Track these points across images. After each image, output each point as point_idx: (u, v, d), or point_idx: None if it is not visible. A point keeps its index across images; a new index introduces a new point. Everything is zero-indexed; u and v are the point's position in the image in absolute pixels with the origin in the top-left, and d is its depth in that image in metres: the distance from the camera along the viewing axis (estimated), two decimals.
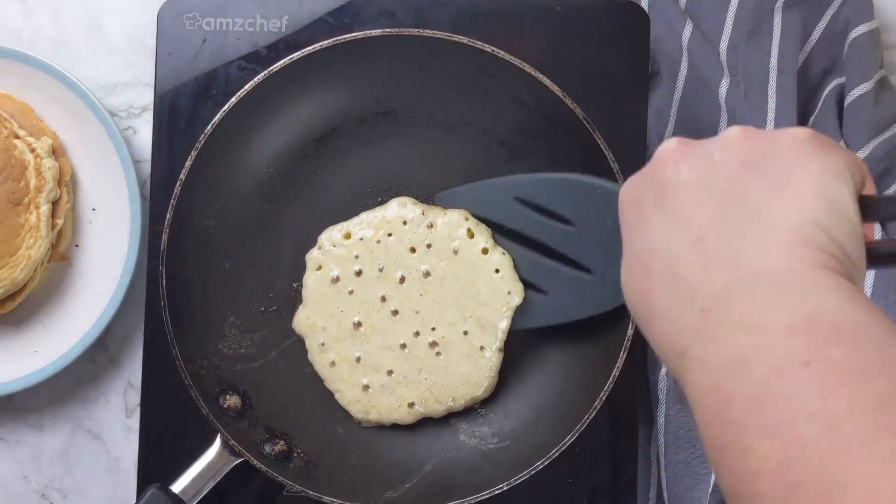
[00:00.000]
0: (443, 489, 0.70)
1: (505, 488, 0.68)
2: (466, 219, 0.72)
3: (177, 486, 0.69)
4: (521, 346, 0.73)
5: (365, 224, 0.72)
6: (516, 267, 0.71)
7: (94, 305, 0.77)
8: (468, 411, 0.74)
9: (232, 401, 0.72)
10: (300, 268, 0.74)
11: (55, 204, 0.75)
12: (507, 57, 0.70)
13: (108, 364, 0.80)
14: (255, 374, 0.74)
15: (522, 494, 0.72)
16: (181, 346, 0.71)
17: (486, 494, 0.69)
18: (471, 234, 0.72)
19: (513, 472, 0.69)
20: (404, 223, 0.72)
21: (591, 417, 0.69)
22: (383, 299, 0.72)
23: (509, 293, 0.71)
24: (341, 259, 0.72)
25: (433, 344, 0.72)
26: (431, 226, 0.72)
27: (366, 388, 0.72)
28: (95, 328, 0.76)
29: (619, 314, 0.68)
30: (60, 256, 0.76)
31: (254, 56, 0.75)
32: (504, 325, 0.71)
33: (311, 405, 0.74)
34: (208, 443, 0.71)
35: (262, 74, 0.71)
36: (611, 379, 0.69)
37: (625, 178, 0.68)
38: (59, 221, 0.75)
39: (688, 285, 0.40)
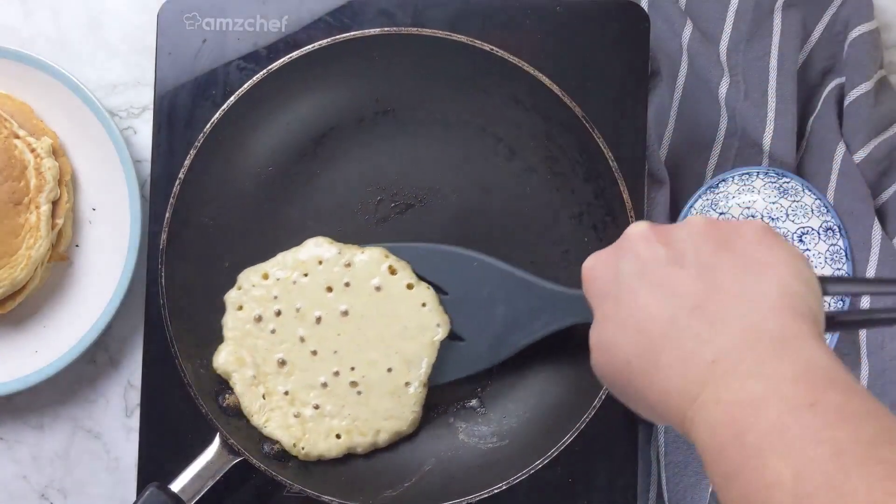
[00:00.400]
0: (442, 488, 0.70)
1: (504, 487, 0.68)
2: (387, 256, 0.72)
3: (176, 485, 0.69)
4: None
5: (281, 265, 0.72)
6: None
7: (94, 305, 0.77)
8: (467, 410, 0.74)
9: (231, 400, 0.72)
10: None
11: (55, 204, 0.75)
12: (506, 56, 0.70)
13: (107, 364, 0.80)
14: None
15: (522, 494, 0.72)
16: (181, 346, 0.71)
17: (486, 493, 0.68)
18: (393, 271, 0.71)
19: (512, 471, 0.69)
20: (319, 263, 0.72)
21: (589, 417, 0.68)
22: (302, 340, 0.71)
23: (437, 326, 0.71)
24: (261, 299, 0.72)
25: (353, 384, 0.71)
26: (349, 264, 0.71)
27: (297, 416, 0.71)
28: (95, 328, 0.76)
29: None
30: (60, 256, 0.76)
31: (254, 56, 0.75)
32: (431, 359, 0.71)
33: None
34: (207, 442, 0.71)
35: (261, 74, 0.71)
36: None
37: (625, 180, 0.69)
38: (59, 221, 0.75)
39: (695, 342, 0.48)
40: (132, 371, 0.80)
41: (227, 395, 0.72)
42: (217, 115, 0.71)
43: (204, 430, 0.71)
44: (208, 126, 0.71)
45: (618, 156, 0.70)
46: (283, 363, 0.71)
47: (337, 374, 0.71)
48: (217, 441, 0.70)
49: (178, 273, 0.71)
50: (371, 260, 0.72)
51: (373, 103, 0.74)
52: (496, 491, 0.68)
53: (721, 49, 0.78)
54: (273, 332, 0.71)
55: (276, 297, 0.72)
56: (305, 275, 0.72)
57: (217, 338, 0.73)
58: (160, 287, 0.71)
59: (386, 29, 0.71)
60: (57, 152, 0.76)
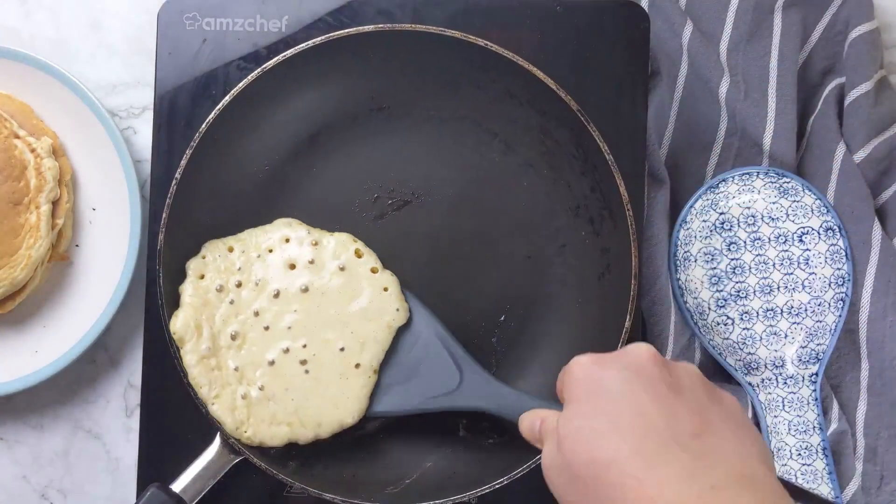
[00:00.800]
0: (443, 484, 0.70)
1: (505, 483, 0.68)
2: (354, 241, 0.72)
3: (177, 485, 0.69)
4: (519, 341, 0.73)
5: (248, 240, 0.72)
6: None
7: (94, 305, 0.77)
8: None
9: None
10: None
11: (55, 204, 0.75)
12: (500, 50, 0.69)
13: (107, 364, 0.80)
14: None
15: (522, 490, 0.71)
16: None
17: (487, 489, 0.68)
18: (359, 255, 0.72)
19: (512, 466, 0.68)
20: (287, 241, 0.72)
21: None
22: (256, 314, 0.71)
23: (397, 310, 0.71)
24: (225, 270, 0.71)
25: (303, 362, 0.70)
26: (316, 244, 0.71)
27: (244, 397, 0.70)
28: (95, 328, 0.76)
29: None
30: (61, 256, 0.76)
31: (254, 56, 0.75)
32: (385, 344, 0.71)
33: None
34: (208, 442, 0.71)
35: (256, 72, 0.70)
36: None
37: (624, 178, 0.69)
38: (60, 221, 0.75)
39: (696, 464, 0.50)
40: (132, 371, 0.80)
41: None
42: (212, 114, 0.70)
43: (204, 430, 0.71)
44: (204, 125, 0.70)
45: (617, 155, 0.70)
46: (234, 336, 0.71)
47: (287, 351, 0.70)
48: (218, 440, 0.70)
49: (176, 273, 0.71)
50: (339, 243, 0.72)
51: (368, 100, 0.74)
52: (497, 486, 0.68)
53: (721, 49, 0.78)
54: (231, 302, 0.71)
55: (239, 269, 0.71)
56: (271, 251, 0.72)
57: None
58: (158, 287, 0.70)
59: (379, 26, 0.70)
60: (57, 152, 0.76)
